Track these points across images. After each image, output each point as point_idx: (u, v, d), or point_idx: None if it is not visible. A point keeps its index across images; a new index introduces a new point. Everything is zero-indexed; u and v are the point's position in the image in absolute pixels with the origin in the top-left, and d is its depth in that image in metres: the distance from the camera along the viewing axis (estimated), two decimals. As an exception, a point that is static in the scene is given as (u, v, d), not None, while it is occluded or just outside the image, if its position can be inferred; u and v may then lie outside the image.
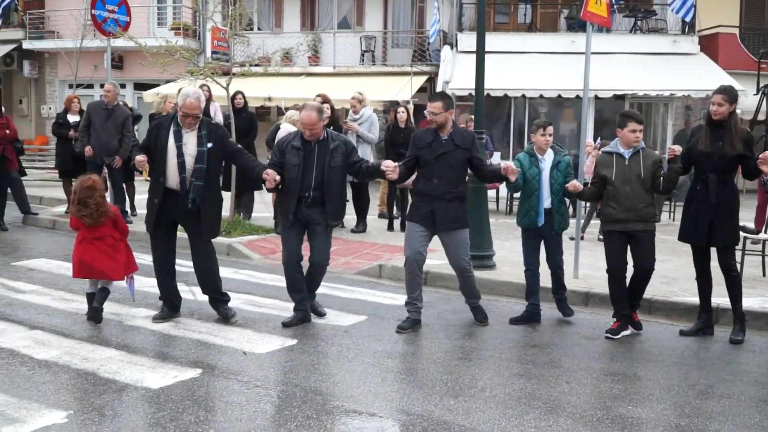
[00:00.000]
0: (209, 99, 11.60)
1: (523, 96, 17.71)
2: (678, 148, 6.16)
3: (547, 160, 6.48)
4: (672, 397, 4.82)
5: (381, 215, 11.93)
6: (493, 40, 16.25)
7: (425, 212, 6.22)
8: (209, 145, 6.09)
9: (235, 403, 4.48)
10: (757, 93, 9.39)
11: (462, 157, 6.21)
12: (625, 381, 5.09)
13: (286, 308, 6.59)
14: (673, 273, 8.19)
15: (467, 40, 18.04)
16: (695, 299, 6.91)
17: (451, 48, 18.69)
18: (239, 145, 6.82)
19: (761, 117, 9.28)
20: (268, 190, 6.37)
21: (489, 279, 7.72)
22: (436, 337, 6.07)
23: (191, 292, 7.12)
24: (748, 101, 14.15)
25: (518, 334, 6.22)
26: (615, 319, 6.34)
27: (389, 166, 6.11)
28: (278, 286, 7.51)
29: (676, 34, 19.23)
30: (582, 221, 10.26)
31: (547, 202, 6.45)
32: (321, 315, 6.47)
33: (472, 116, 8.89)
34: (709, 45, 19.09)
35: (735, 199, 6.11)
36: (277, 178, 6.00)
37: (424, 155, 6.22)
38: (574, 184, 6.36)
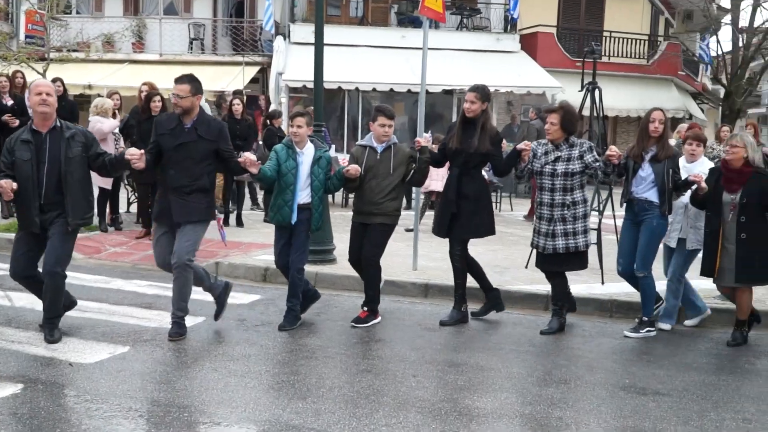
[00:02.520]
0: (23, 86, 10.74)
1: (357, 89, 17.83)
2: (423, 140, 6.36)
3: (306, 154, 6.08)
4: (513, 386, 4.95)
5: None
6: (325, 33, 16.16)
7: (162, 207, 5.73)
8: None
9: (63, 419, 4.08)
10: (581, 90, 9.99)
11: (206, 148, 5.64)
12: (468, 372, 5.17)
13: (114, 312, 6.21)
14: (503, 262, 8.50)
15: (300, 32, 17.91)
16: (529, 287, 7.25)
17: (284, 39, 18.44)
18: None
19: (585, 113, 9.89)
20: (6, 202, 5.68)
21: (330, 273, 7.64)
22: (279, 336, 5.88)
23: (7, 298, 6.50)
24: (569, 98, 15.12)
25: (361, 330, 6.15)
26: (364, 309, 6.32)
27: (134, 154, 5.45)
28: (104, 288, 7.07)
29: (499, 33, 20.12)
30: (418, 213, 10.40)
31: (306, 199, 6.05)
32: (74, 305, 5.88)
33: (310, 108, 8.74)
34: (530, 43, 20.15)
35: (481, 193, 6.31)
36: (14, 186, 5.16)
37: (164, 143, 5.63)
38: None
